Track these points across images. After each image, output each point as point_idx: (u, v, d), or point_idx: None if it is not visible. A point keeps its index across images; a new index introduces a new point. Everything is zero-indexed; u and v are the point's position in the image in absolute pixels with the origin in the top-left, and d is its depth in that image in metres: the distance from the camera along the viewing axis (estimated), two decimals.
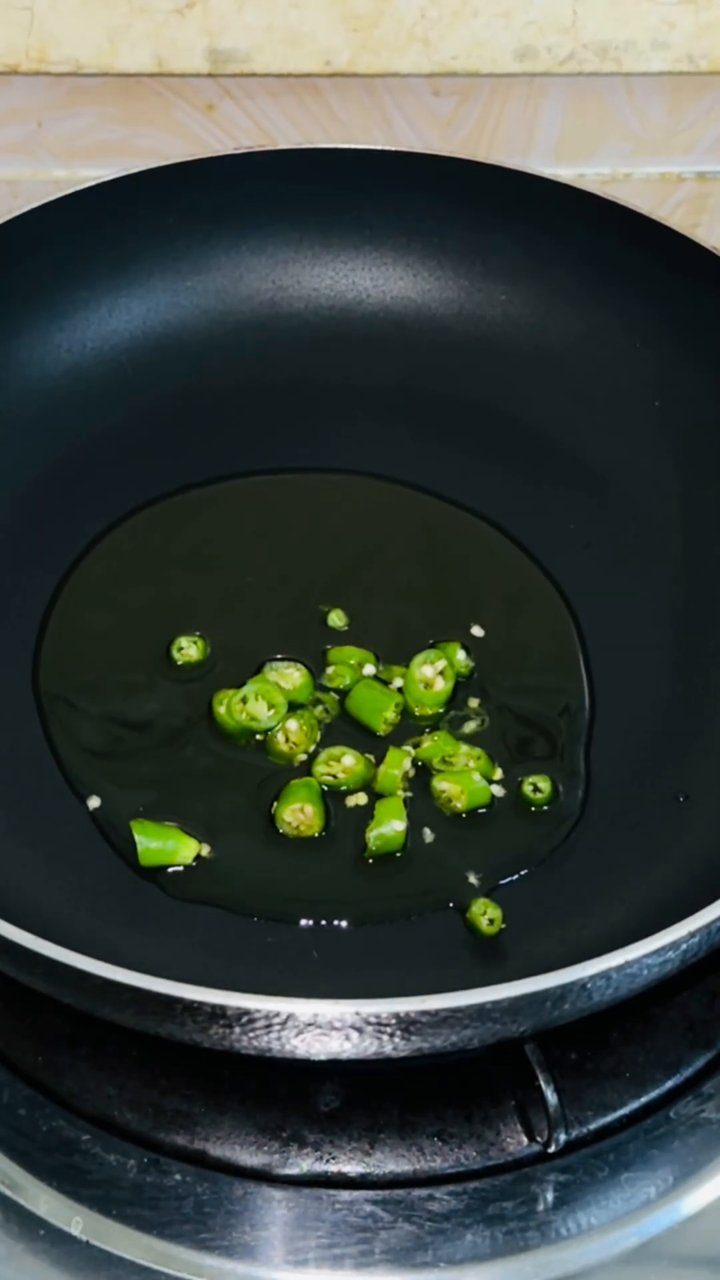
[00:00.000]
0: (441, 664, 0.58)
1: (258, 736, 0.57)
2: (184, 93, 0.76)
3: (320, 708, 0.58)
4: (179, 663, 0.59)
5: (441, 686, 0.58)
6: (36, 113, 0.76)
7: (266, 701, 0.57)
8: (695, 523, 0.63)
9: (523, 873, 0.54)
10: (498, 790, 0.56)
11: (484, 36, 0.74)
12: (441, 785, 0.56)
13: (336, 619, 0.60)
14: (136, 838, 0.54)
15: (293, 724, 0.57)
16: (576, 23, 0.73)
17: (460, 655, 0.59)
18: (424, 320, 0.69)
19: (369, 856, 0.54)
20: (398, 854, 0.55)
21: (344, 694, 0.58)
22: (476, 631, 0.60)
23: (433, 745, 0.57)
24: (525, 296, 0.68)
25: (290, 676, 0.58)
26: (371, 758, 0.57)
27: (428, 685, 0.58)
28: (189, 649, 0.59)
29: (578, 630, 0.61)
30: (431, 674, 0.58)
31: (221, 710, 0.57)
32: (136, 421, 0.66)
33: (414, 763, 0.56)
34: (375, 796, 0.56)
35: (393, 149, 0.69)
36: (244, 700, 0.57)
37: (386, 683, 0.59)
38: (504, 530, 0.64)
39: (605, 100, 0.77)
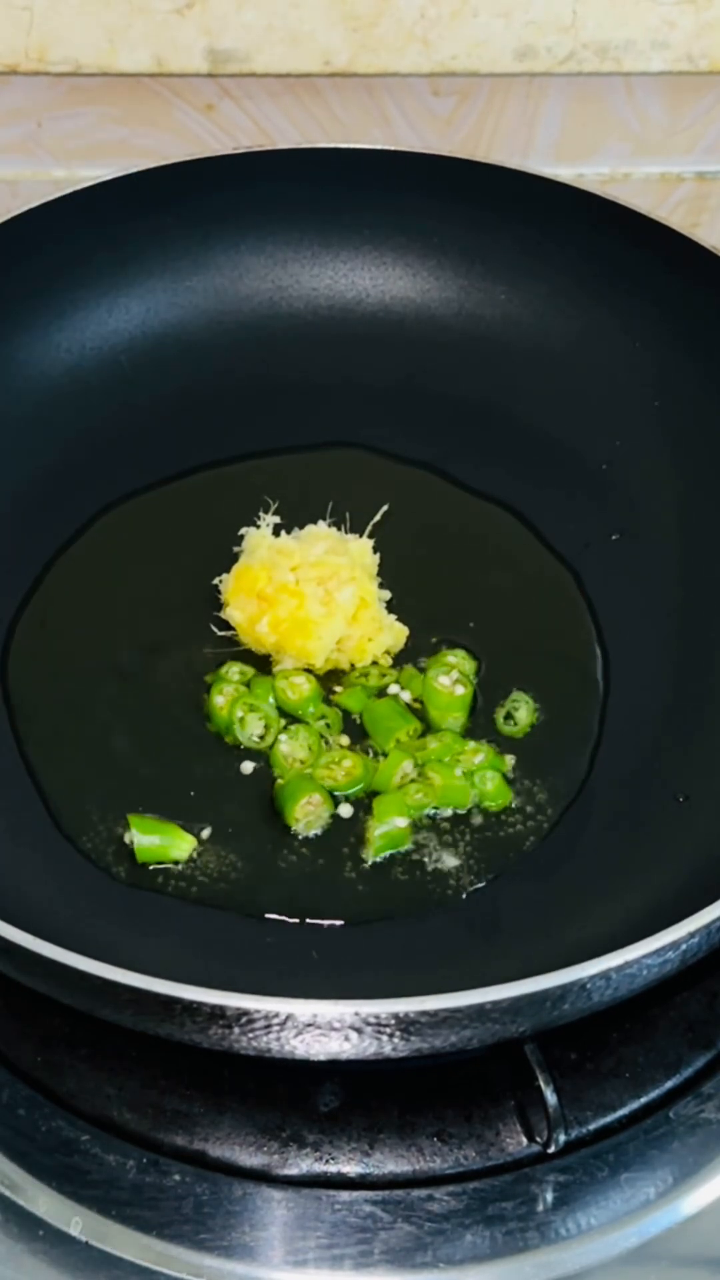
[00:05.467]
0: (455, 674, 0.58)
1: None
2: (183, 93, 0.76)
3: (323, 723, 0.57)
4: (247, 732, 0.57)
5: (461, 693, 0.57)
6: (36, 112, 0.76)
7: (264, 721, 0.56)
8: (695, 523, 0.63)
9: (522, 871, 0.54)
10: (489, 787, 0.55)
11: (483, 36, 0.73)
12: (433, 776, 0.56)
13: None
14: (134, 833, 0.54)
15: (289, 745, 0.56)
16: (576, 22, 0.73)
17: (465, 661, 0.59)
18: (423, 320, 0.69)
19: (374, 855, 0.54)
20: (399, 852, 0.54)
21: (349, 712, 0.57)
22: (478, 634, 0.60)
23: (442, 746, 0.56)
24: (525, 296, 0.68)
25: (298, 687, 0.58)
26: (370, 758, 0.56)
27: (447, 694, 0.57)
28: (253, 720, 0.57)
29: (580, 630, 0.60)
30: (449, 683, 0.58)
31: (219, 703, 0.57)
32: (135, 422, 0.66)
33: (414, 763, 0.56)
34: (372, 794, 0.56)
35: (392, 149, 0.68)
36: (241, 717, 0.56)
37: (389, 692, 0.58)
38: (502, 529, 0.63)
39: (605, 100, 0.77)
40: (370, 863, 0.54)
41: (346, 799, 0.56)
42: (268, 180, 0.68)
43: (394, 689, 0.58)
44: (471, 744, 0.56)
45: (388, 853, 0.54)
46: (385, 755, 0.56)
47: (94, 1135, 0.51)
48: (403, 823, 0.54)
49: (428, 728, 0.57)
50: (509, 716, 0.58)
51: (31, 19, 0.72)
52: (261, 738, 0.56)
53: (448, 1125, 0.51)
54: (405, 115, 0.77)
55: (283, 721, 0.57)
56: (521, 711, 0.57)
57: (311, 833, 0.55)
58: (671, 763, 0.56)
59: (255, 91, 0.75)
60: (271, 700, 0.57)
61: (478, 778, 0.56)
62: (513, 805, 0.56)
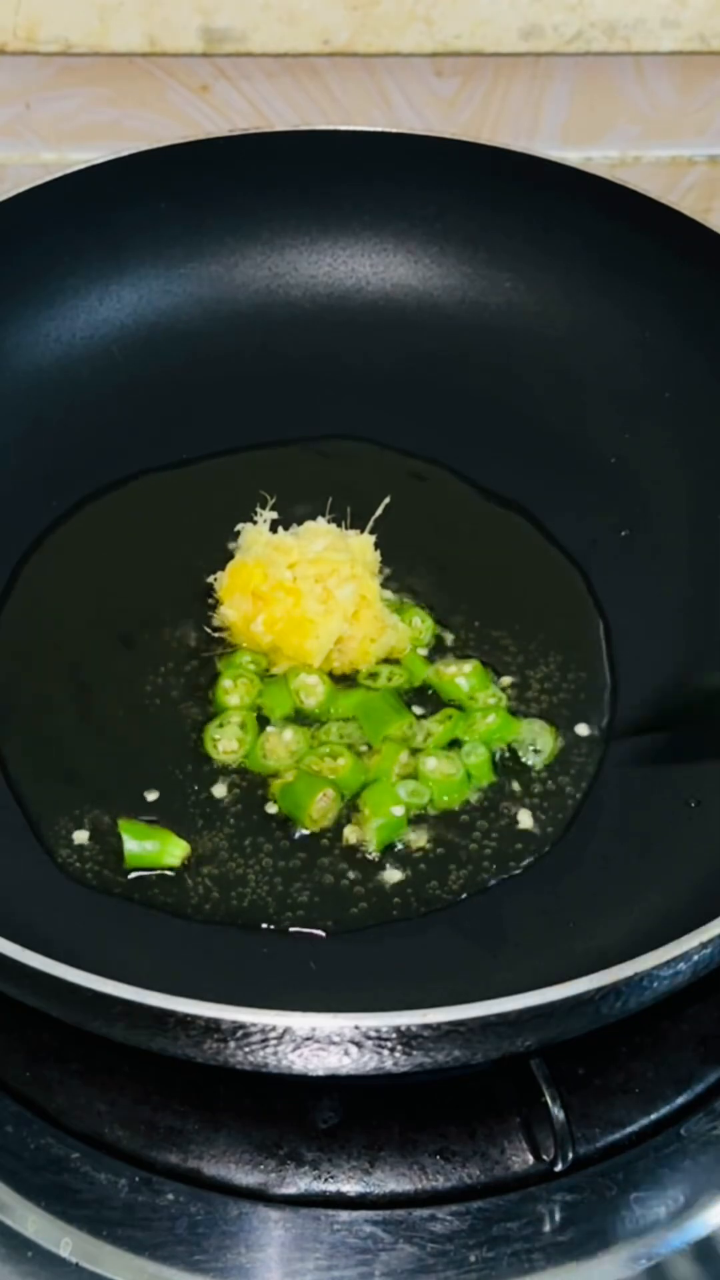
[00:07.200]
0: (468, 666, 0.57)
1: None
2: (177, 73, 0.75)
3: (330, 725, 0.56)
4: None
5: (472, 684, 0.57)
6: (25, 94, 0.75)
7: (237, 739, 0.55)
8: (706, 517, 0.62)
9: (528, 879, 0.53)
10: (472, 760, 0.54)
11: (488, 15, 0.73)
12: (429, 765, 0.55)
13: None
14: (124, 838, 0.53)
15: (273, 748, 0.55)
16: (584, 0, 0.73)
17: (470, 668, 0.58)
18: (426, 308, 0.68)
19: (376, 849, 0.53)
20: (401, 860, 0.53)
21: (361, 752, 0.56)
22: (483, 632, 0.59)
23: (445, 729, 0.55)
24: (531, 284, 0.67)
25: (313, 689, 0.56)
26: (364, 758, 0.55)
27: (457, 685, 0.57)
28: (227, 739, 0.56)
29: (587, 629, 0.59)
30: (466, 686, 0.57)
31: (224, 687, 0.56)
32: (127, 413, 0.65)
33: (409, 752, 0.55)
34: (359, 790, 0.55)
35: (393, 131, 0.68)
36: (221, 726, 0.55)
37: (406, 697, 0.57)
38: (508, 525, 0.62)
39: (614, 81, 0.76)
40: (371, 871, 0.53)
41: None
42: (264, 164, 0.68)
43: (390, 681, 0.57)
44: (492, 689, 0.55)
45: (389, 843, 0.53)
46: (377, 750, 0.55)
47: (84, 1153, 0.50)
48: (399, 811, 0.54)
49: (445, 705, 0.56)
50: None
51: None
52: (236, 750, 0.55)
53: (451, 1143, 0.51)
54: (407, 97, 0.76)
55: (259, 729, 0.56)
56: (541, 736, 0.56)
57: (309, 836, 0.54)
58: (683, 767, 0.56)
59: (251, 72, 0.75)
60: (291, 709, 0.56)
61: (466, 749, 0.55)
62: (519, 815, 0.55)
